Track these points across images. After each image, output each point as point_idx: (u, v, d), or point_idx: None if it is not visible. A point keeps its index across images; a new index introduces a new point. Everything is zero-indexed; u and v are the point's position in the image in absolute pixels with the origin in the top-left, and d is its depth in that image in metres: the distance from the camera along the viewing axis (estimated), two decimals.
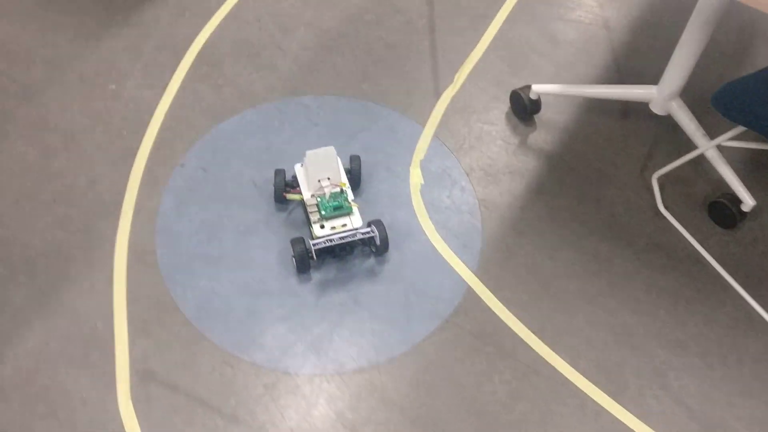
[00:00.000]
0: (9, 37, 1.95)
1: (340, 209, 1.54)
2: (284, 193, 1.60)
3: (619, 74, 1.96)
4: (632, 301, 1.56)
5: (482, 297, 1.55)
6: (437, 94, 1.90)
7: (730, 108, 1.42)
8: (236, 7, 2.06)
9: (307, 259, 1.52)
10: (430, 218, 1.66)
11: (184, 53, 1.94)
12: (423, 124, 1.84)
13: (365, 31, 2.01)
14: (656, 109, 1.75)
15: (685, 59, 1.62)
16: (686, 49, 1.60)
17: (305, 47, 1.96)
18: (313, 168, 1.55)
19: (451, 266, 1.59)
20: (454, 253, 1.61)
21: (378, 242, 1.53)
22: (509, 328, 1.50)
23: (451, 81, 1.93)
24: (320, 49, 1.96)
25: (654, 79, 1.75)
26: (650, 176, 1.75)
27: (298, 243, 1.51)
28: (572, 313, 1.53)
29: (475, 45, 2.01)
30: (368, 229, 1.54)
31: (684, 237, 1.65)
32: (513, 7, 2.11)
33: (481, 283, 1.57)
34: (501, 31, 2.05)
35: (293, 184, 1.61)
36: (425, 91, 1.90)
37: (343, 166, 1.64)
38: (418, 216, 1.66)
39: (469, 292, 1.55)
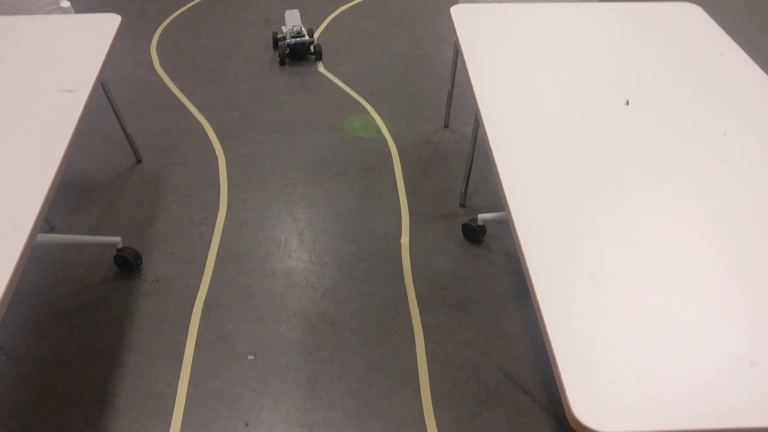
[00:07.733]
0: None
1: (299, 33, 3.42)
2: (278, 36, 3.52)
3: None
4: None
5: None
6: None
7: None
8: None
9: (285, 56, 3.39)
10: None
11: None
12: None
13: None
14: None
15: None
16: None
17: None
18: (288, 19, 3.47)
19: None
20: None
21: (314, 50, 3.40)
22: None
23: None
24: None
25: None
26: None
27: (280, 47, 3.40)
28: None
29: None
30: (311, 39, 3.40)
31: None
32: None
33: None
34: None
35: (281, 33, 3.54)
36: None
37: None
38: None
39: None
